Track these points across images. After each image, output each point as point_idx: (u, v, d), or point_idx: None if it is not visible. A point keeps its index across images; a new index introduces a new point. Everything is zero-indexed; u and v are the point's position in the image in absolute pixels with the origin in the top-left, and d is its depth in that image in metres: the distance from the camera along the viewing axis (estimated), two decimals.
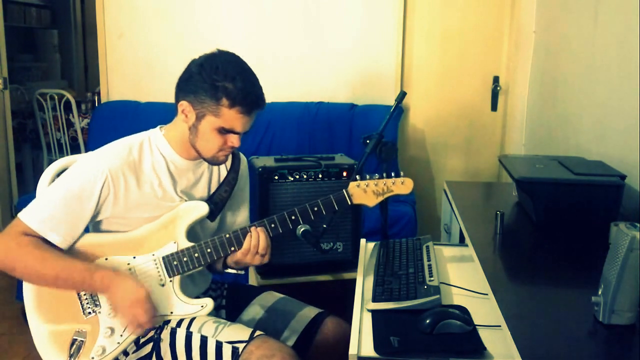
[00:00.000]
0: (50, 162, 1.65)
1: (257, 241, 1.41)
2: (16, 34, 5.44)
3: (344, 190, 1.45)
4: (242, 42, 3.13)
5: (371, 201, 1.46)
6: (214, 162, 1.46)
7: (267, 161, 2.12)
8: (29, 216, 1.35)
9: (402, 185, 1.45)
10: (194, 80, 1.37)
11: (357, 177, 1.45)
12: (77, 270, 1.33)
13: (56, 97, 4.04)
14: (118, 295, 1.34)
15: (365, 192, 1.45)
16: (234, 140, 1.40)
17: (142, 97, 3.16)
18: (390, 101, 3.06)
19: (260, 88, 1.39)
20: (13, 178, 3.58)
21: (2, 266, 1.34)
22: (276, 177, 2.05)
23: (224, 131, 1.38)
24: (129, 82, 3.22)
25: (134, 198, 1.40)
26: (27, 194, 3.37)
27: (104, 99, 3.25)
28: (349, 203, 1.44)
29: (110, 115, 3.10)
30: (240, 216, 1.64)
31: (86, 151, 2.05)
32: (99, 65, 3.23)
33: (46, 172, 1.56)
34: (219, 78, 1.34)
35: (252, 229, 1.42)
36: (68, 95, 4.03)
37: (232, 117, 1.36)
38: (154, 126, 1.50)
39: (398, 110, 2.96)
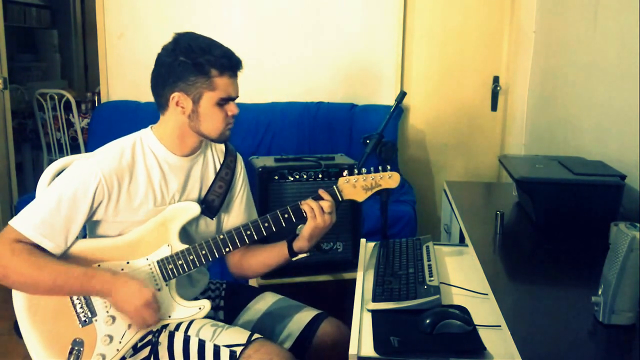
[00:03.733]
0: (50, 162, 1.64)
1: (319, 208, 1.41)
2: (16, 34, 5.43)
3: (334, 187, 1.46)
4: (242, 43, 3.10)
5: (360, 196, 1.47)
6: (221, 139, 1.47)
7: (267, 161, 2.12)
8: (20, 223, 1.33)
9: (389, 180, 1.46)
10: (174, 69, 1.39)
11: (345, 172, 1.47)
12: (74, 276, 1.31)
13: (56, 97, 4.04)
14: (122, 299, 1.32)
15: (354, 187, 1.46)
16: (233, 108, 1.44)
17: (142, 97, 3.15)
18: (390, 101, 3.06)
19: (230, 49, 1.44)
20: (13, 178, 3.58)
21: None
22: (276, 177, 2.05)
23: (222, 102, 1.41)
24: (129, 82, 3.22)
25: (128, 200, 1.39)
26: (27, 193, 3.37)
27: (104, 99, 3.25)
28: (340, 199, 1.46)
29: (110, 115, 3.10)
30: (238, 218, 1.59)
31: (86, 151, 2.05)
32: (99, 65, 3.23)
33: (46, 172, 1.55)
34: (197, 55, 1.37)
35: (306, 202, 1.43)
36: (68, 95, 4.03)
37: (226, 84, 1.40)
38: None
39: (398, 110, 2.96)
